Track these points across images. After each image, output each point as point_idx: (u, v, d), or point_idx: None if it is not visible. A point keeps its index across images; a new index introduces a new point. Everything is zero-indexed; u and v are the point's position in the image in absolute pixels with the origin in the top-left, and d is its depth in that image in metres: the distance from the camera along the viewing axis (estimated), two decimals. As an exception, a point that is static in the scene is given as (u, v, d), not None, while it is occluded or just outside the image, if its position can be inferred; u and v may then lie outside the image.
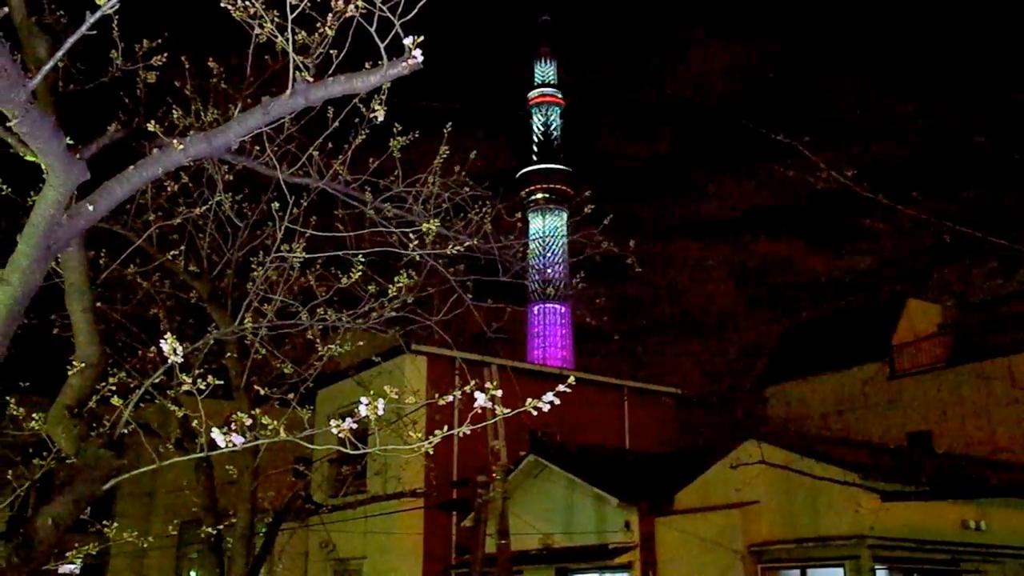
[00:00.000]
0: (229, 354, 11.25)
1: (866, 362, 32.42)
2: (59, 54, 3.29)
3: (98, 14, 3.12)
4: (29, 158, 3.92)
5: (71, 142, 3.93)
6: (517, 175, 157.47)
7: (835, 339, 35.06)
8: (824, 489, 17.66)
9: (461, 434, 3.83)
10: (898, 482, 18.13)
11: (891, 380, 31.60)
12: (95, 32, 3.30)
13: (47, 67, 3.40)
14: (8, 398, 7.24)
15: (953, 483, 20.40)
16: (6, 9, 3.10)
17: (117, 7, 3.16)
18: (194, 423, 6.98)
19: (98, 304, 7.02)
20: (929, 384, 30.27)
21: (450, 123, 8.36)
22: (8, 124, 3.38)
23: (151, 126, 5.82)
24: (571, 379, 3.60)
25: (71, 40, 3.23)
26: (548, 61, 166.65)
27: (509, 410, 3.62)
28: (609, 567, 22.03)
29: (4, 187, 7.24)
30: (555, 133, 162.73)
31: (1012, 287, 28.11)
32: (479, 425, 3.67)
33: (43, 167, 3.76)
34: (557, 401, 3.51)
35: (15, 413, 6.80)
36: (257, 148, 7.32)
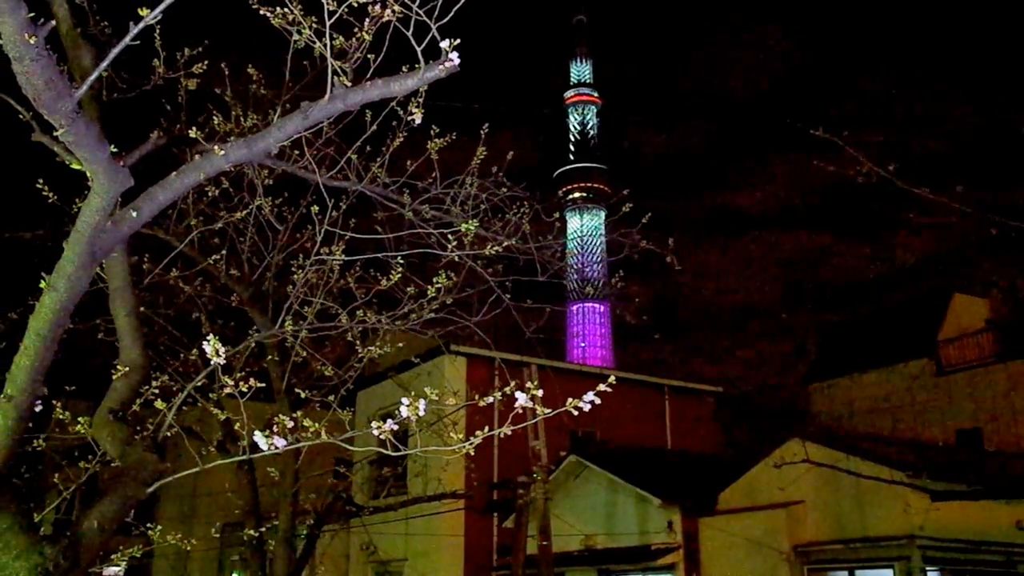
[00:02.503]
0: (270, 357, 11.36)
1: (912, 359, 31.98)
2: (104, 64, 3.36)
3: (141, 24, 3.19)
4: (75, 166, 4.00)
5: (115, 150, 4.00)
6: (555, 174, 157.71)
7: (880, 335, 34.65)
8: (871, 488, 17.46)
9: (502, 435, 3.85)
10: (948, 481, 17.88)
11: (938, 376, 31.14)
12: (138, 42, 3.37)
13: (92, 77, 3.48)
14: (54, 402, 7.36)
15: (1006, 482, 20.09)
16: (52, 22, 3.17)
17: (160, 18, 3.23)
18: (236, 426, 7.05)
19: (141, 308, 7.12)
20: (978, 381, 29.79)
21: (487, 124, 8.39)
22: (55, 133, 3.46)
23: (193, 132, 5.90)
24: (611, 379, 3.60)
25: (115, 51, 3.30)
26: (584, 60, 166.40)
27: (549, 410, 3.63)
28: (652, 568, 21.93)
29: (50, 194, 7.38)
30: (592, 132, 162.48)
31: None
32: (520, 426, 3.69)
33: (88, 175, 3.84)
34: (598, 401, 3.51)
35: (61, 417, 6.90)
36: (296, 152, 7.40)
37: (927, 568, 17.19)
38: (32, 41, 3.07)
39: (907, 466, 18.02)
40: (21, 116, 5.49)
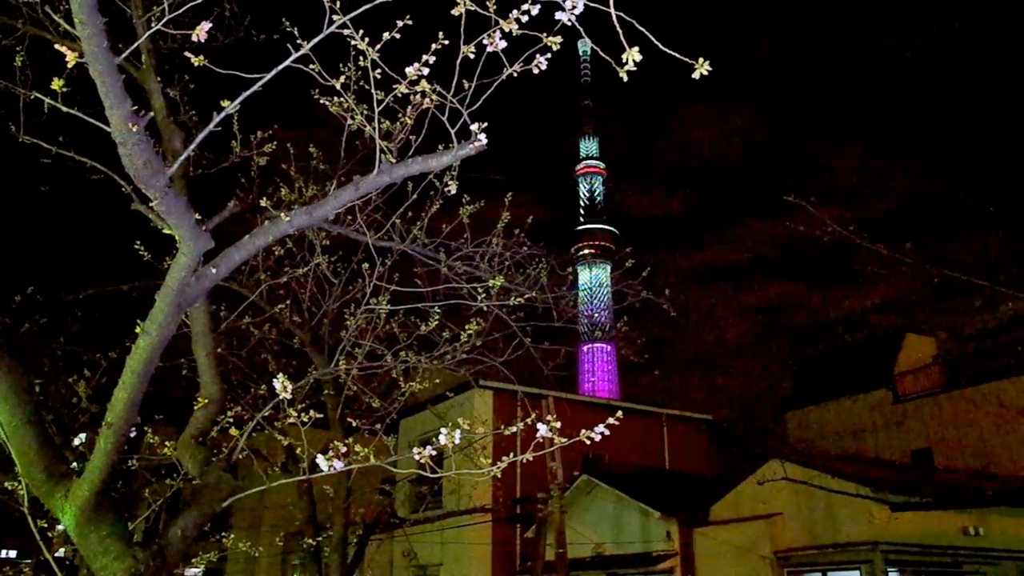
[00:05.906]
0: (326, 391, 11.35)
1: (873, 389, 31.71)
2: (191, 147, 3.39)
3: (223, 114, 3.23)
4: (166, 231, 4.03)
5: (199, 217, 4.04)
6: (570, 231, 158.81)
7: (845, 369, 34.34)
8: (840, 501, 17.23)
9: (524, 460, 3.81)
10: (905, 494, 17.62)
11: (895, 404, 30.83)
12: (219, 128, 3.41)
13: (182, 158, 3.51)
14: (145, 428, 7.37)
15: (954, 494, 19.78)
16: (151, 113, 3.21)
17: (238, 108, 3.26)
18: (297, 450, 7.03)
19: (219, 350, 7.14)
20: (928, 408, 29.49)
21: (510, 193, 8.43)
22: (150, 204, 3.49)
23: (263, 202, 5.96)
24: (619, 413, 3.57)
25: (201, 136, 3.33)
26: (591, 138, 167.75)
27: (566, 440, 3.60)
28: (653, 572, 21.61)
29: (145, 254, 7.46)
30: (599, 198, 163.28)
31: (995, 321, 27.49)
32: (540, 452, 3.66)
33: (176, 238, 3.87)
34: (607, 432, 3.48)
35: (151, 440, 6.91)
36: (349, 217, 7.46)
37: (888, 569, 16.91)
38: (134, 129, 3.11)
39: (870, 482, 17.78)
40: (123, 189, 5.57)
